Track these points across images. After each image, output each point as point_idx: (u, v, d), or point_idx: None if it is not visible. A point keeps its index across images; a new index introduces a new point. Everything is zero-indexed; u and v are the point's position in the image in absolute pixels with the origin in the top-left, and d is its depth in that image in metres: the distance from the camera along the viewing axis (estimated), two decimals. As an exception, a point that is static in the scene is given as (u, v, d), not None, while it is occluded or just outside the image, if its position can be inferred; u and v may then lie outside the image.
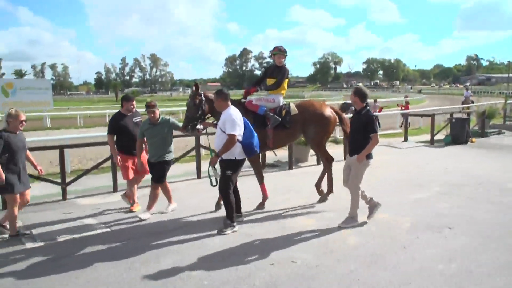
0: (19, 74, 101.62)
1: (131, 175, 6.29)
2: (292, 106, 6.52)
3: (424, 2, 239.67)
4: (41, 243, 5.13)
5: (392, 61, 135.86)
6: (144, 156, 6.27)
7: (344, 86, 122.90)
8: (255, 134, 5.42)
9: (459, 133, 13.16)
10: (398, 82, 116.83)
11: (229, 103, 5.40)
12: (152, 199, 6.08)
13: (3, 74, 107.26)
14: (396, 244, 4.91)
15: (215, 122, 5.77)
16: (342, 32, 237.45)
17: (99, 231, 5.56)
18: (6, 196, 5.28)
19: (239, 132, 5.18)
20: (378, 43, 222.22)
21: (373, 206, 5.72)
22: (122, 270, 4.30)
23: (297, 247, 4.86)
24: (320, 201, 6.61)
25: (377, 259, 4.49)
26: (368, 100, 5.65)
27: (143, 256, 4.66)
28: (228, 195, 5.34)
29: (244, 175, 8.83)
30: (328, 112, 6.58)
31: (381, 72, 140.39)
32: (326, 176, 6.76)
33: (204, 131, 6.11)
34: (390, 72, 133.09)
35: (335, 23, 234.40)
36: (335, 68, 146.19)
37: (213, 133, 5.71)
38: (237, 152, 5.28)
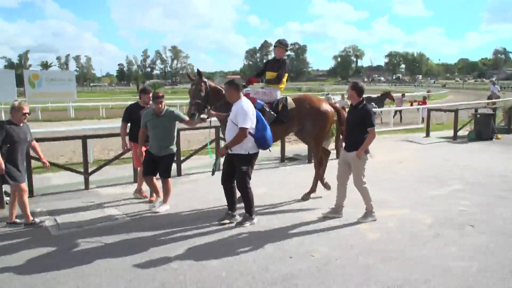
0: (45, 65, 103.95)
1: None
2: (289, 100, 6.38)
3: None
4: (65, 231, 5.27)
5: (415, 55, 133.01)
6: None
7: (365, 80, 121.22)
8: (268, 127, 5.31)
9: (483, 129, 12.83)
10: (420, 77, 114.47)
11: (241, 94, 5.28)
12: (166, 193, 6.06)
13: (30, 65, 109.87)
14: (416, 240, 4.84)
15: (227, 114, 5.47)
16: (364, 25, 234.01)
17: (120, 220, 5.67)
18: (15, 186, 5.29)
19: (250, 125, 5.07)
20: (401, 37, 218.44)
21: (337, 210, 5.65)
22: (142, 259, 4.38)
23: (315, 240, 4.85)
24: (303, 199, 6.49)
25: (396, 255, 4.44)
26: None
27: (162, 246, 4.74)
28: (246, 190, 5.31)
29: (263, 168, 8.86)
30: (325, 107, 6.46)
31: (403, 66, 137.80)
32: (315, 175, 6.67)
33: (208, 122, 6.03)
34: (413, 66, 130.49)
35: (357, 16, 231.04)
36: (356, 62, 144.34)
37: (218, 126, 5.66)
38: (249, 146, 5.18)
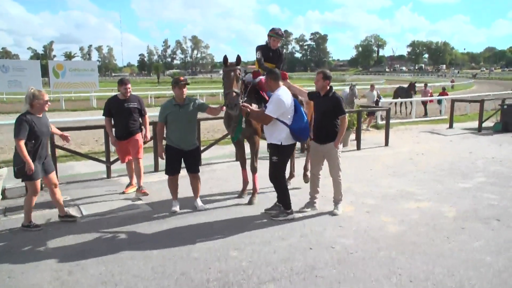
0: (68, 56, 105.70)
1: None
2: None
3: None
4: (88, 218, 5.37)
5: (439, 44, 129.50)
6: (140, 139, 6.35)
7: (387, 70, 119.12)
8: (306, 119, 5.20)
9: (510, 120, 12.43)
10: (444, 66, 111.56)
11: (281, 83, 5.19)
12: (198, 189, 5.71)
13: (54, 56, 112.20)
14: (440, 233, 4.73)
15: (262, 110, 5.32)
16: (387, 14, 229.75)
17: (141, 209, 5.73)
18: (27, 183, 4.90)
19: (275, 115, 4.97)
20: (425, 25, 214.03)
21: (312, 203, 5.56)
22: (164, 248, 4.42)
23: (336, 232, 4.80)
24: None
25: (419, 248, 4.35)
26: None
27: (183, 235, 4.77)
28: (278, 182, 5.23)
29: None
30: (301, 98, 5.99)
31: (426, 55, 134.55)
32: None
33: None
34: (436, 56, 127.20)
35: (380, 4, 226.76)
36: (378, 51, 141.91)
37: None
38: (282, 137, 5.05)
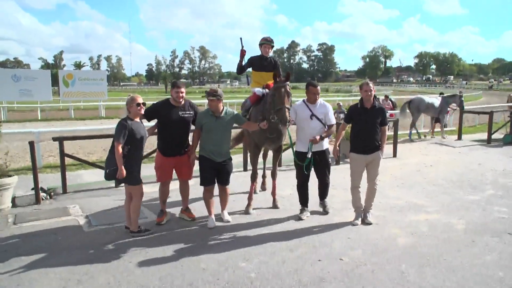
0: (78, 65, 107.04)
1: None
2: None
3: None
4: (96, 228, 5.39)
5: (447, 55, 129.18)
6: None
7: (394, 80, 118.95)
8: None
9: (520, 132, 12.31)
10: (452, 77, 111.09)
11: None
12: (226, 201, 5.62)
13: (64, 65, 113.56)
14: (450, 246, 4.68)
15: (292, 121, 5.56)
16: (394, 24, 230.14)
17: (149, 218, 5.73)
18: (132, 188, 4.99)
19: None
20: (433, 37, 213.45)
21: (359, 214, 5.62)
22: (172, 258, 4.42)
23: (345, 244, 4.76)
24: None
25: (429, 261, 4.30)
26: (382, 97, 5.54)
27: (191, 245, 4.77)
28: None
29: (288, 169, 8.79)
30: None
31: (433, 66, 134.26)
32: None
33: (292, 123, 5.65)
34: (444, 67, 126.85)
35: (387, 15, 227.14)
36: (385, 62, 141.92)
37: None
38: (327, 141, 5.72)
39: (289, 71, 5.49)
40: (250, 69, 6.45)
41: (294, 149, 5.74)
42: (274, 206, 6.19)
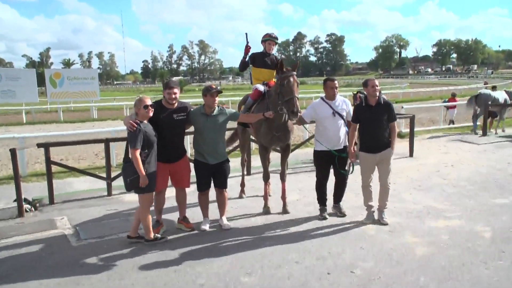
0: (67, 63, 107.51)
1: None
2: None
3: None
4: (86, 241, 5.36)
5: (470, 42, 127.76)
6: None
7: (410, 72, 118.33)
8: None
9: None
10: (475, 67, 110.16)
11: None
12: (225, 205, 5.70)
13: (51, 63, 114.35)
14: (474, 257, 4.61)
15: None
16: (410, 10, 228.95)
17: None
18: (142, 196, 5.01)
19: None
20: (454, 22, 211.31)
21: (371, 214, 5.78)
22: (168, 272, 4.39)
23: (357, 254, 4.72)
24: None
25: (451, 273, 4.24)
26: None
27: (188, 258, 4.73)
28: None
29: (296, 172, 8.74)
30: None
31: (454, 55, 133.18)
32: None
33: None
34: (466, 55, 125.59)
35: (402, 0, 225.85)
36: (400, 53, 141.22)
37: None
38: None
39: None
40: (250, 65, 6.56)
41: (314, 149, 5.95)
42: (284, 211, 6.20)
